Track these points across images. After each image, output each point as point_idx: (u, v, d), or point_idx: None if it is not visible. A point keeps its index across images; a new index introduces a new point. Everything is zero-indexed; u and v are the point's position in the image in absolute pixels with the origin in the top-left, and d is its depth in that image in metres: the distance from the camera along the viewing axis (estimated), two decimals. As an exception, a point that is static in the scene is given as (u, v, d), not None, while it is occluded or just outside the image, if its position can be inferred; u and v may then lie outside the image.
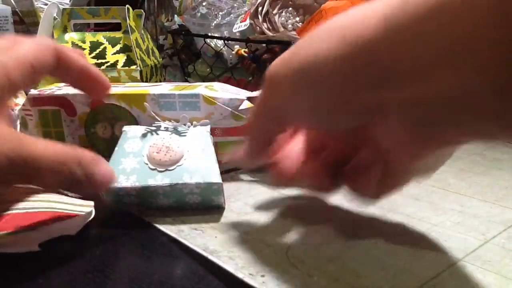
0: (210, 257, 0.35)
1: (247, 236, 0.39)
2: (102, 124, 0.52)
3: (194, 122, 0.49)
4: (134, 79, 0.63)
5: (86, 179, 0.33)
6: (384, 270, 0.34)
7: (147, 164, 0.43)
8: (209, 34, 0.76)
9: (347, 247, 0.37)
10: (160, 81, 0.73)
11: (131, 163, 0.43)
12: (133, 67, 0.62)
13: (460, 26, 0.21)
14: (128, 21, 0.64)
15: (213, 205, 0.44)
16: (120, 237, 0.40)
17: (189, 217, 0.42)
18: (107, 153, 0.53)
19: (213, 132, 0.50)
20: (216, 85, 0.54)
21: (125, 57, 0.63)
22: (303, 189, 0.46)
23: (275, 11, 0.73)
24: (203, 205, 0.44)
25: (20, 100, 0.58)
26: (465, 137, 0.28)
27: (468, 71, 0.22)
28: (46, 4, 0.90)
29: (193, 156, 0.43)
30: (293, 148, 0.38)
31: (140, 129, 0.47)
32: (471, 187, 0.49)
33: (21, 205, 0.39)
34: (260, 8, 0.73)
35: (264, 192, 0.48)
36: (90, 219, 0.42)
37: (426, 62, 0.23)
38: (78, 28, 0.90)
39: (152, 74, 0.68)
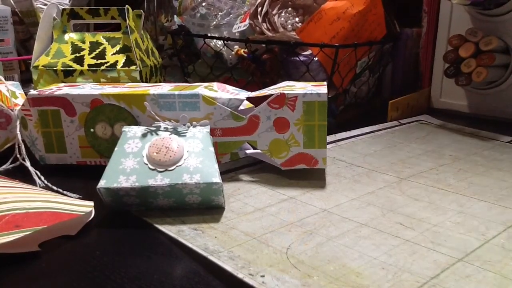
0: (210, 257, 0.35)
1: (247, 236, 0.39)
2: (101, 124, 0.52)
3: (194, 122, 0.49)
4: (133, 80, 0.63)
5: None
6: (384, 270, 0.34)
7: (147, 164, 0.43)
8: (209, 35, 0.76)
9: (347, 247, 0.37)
10: (160, 82, 0.73)
11: (131, 163, 0.43)
12: (133, 67, 0.62)
13: None
14: (127, 21, 0.64)
15: (213, 205, 0.44)
16: (120, 237, 0.40)
17: (189, 217, 0.42)
18: (106, 153, 0.53)
19: (212, 132, 0.50)
20: (216, 85, 0.54)
21: (125, 58, 0.63)
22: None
23: (274, 12, 0.73)
24: (203, 205, 0.44)
25: (20, 100, 0.58)
26: None
27: None
28: (45, 5, 0.90)
29: (193, 156, 0.43)
30: None
31: (140, 129, 0.47)
32: (471, 188, 0.49)
33: (21, 205, 0.39)
34: (259, 9, 0.73)
35: (264, 192, 0.48)
36: (90, 219, 0.42)
37: None
38: (78, 28, 0.90)
39: (151, 75, 0.68)
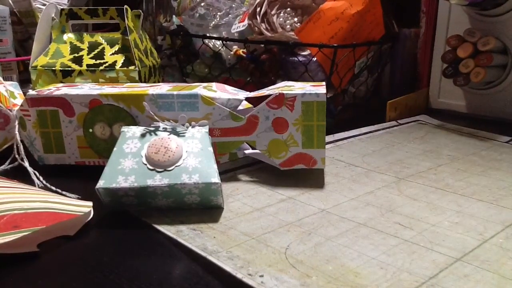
0: (209, 257, 0.35)
1: (246, 236, 0.39)
2: (100, 124, 0.52)
3: (193, 123, 0.49)
4: (132, 80, 0.63)
5: None
6: (383, 269, 0.34)
7: (145, 164, 0.43)
8: (208, 35, 0.76)
9: (346, 247, 0.37)
10: (159, 82, 0.73)
11: (130, 164, 0.43)
12: (132, 67, 0.62)
13: None
14: (126, 21, 0.64)
15: (212, 205, 0.44)
16: (119, 238, 0.40)
17: (188, 217, 0.42)
18: (105, 154, 0.53)
19: (211, 132, 0.50)
20: (215, 85, 0.54)
21: (124, 58, 0.63)
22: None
23: (273, 12, 0.73)
24: (201, 205, 0.44)
25: (18, 100, 0.58)
26: None
27: None
28: (44, 5, 0.89)
29: (192, 157, 0.43)
30: None
31: (138, 130, 0.47)
32: (469, 187, 0.49)
33: (20, 205, 0.39)
34: (258, 9, 0.73)
35: (263, 193, 0.48)
36: (88, 219, 0.42)
37: None
38: (76, 28, 0.89)
39: (150, 75, 0.68)
